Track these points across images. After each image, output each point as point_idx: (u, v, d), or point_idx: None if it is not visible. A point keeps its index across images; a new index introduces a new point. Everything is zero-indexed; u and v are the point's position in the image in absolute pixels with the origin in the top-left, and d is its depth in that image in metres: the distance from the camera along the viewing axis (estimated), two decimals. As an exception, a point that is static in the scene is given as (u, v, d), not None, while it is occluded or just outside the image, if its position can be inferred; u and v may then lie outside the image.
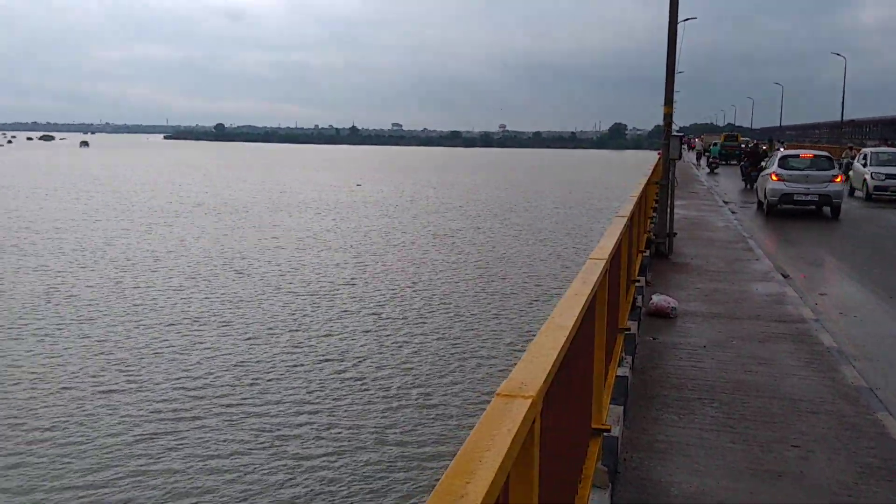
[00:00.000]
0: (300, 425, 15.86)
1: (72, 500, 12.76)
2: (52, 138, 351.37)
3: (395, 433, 15.60)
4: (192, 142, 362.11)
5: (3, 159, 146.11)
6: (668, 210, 21.33)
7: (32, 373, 19.02)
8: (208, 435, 15.39)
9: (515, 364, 3.41)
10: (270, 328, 23.55)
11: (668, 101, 21.46)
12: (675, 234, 21.92)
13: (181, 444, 14.91)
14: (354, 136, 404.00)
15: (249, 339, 22.32)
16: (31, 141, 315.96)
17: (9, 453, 14.43)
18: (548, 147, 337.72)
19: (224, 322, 24.10)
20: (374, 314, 25.36)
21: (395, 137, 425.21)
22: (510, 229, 48.61)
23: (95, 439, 15.07)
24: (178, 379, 18.69)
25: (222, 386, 18.25)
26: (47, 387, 18.00)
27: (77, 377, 18.71)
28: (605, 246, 7.16)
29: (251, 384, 18.39)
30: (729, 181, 54.28)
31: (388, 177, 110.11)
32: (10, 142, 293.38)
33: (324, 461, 14.28)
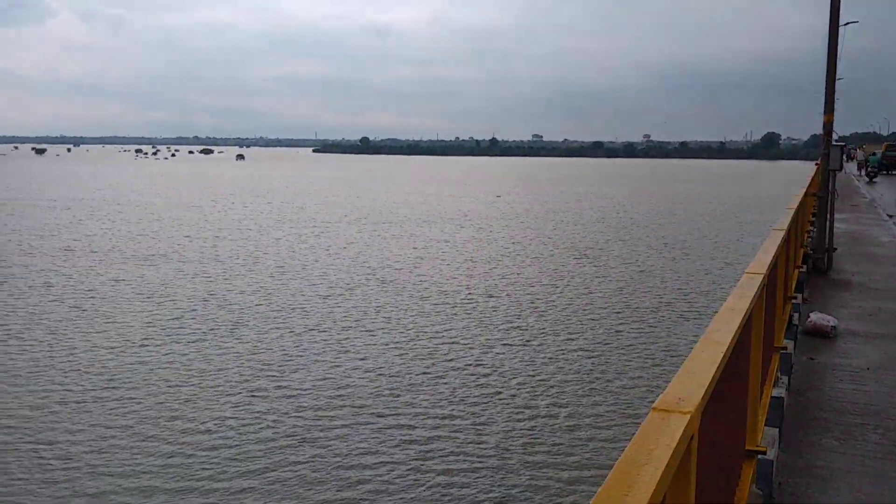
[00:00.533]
0: (441, 438, 15.96)
1: (214, 499, 13.46)
2: (211, 152, 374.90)
3: (540, 449, 15.44)
4: (339, 155, 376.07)
5: (167, 171, 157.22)
6: (828, 223, 20.11)
7: (190, 374, 20.25)
8: (348, 444, 15.79)
9: (666, 380, 3.29)
10: (413, 338, 23.97)
11: (829, 109, 20.25)
12: (836, 249, 20.63)
13: (322, 451, 15.40)
14: (494, 148, 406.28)
15: (393, 348, 22.81)
16: (192, 154, 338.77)
17: (167, 453, 15.39)
18: (695, 157, 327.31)
19: (368, 331, 24.77)
20: (515, 327, 25.31)
21: (536, 149, 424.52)
22: (655, 242, 47.33)
23: (242, 442, 15.82)
24: (322, 385, 19.36)
25: (365, 395, 18.73)
26: (202, 388, 19.11)
27: (229, 380, 19.75)
28: (762, 260, 6.83)
29: (393, 394, 18.76)
30: (891, 192, 50.58)
31: (527, 188, 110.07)
32: (173, 155, 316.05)
33: (466, 477, 14.31)
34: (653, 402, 2.88)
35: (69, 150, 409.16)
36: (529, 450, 15.34)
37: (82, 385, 19.11)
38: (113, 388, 18.93)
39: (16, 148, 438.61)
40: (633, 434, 2.58)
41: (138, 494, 13.38)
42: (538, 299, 29.73)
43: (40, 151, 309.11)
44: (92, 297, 29.22)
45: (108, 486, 13.66)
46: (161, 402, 17.89)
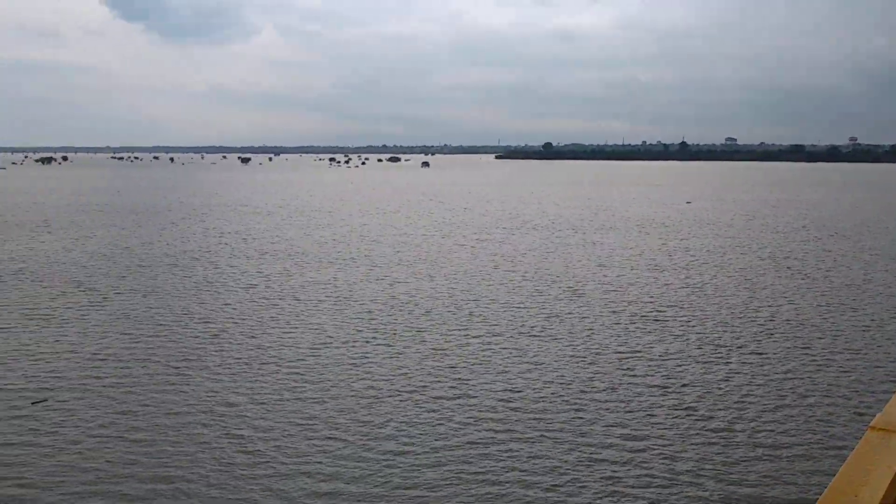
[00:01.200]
0: (632, 463, 15.12)
1: (394, 497, 13.45)
2: (398, 160, 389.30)
3: (737, 470, 14.29)
4: (521, 161, 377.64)
5: (357, 178, 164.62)
6: None
7: (373, 376, 20.64)
8: (523, 447, 15.38)
9: (878, 399, 2.61)
10: (593, 347, 23.19)
11: None
12: None
13: (496, 454, 15.07)
14: (684, 152, 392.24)
15: (572, 356, 22.16)
16: (380, 162, 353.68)
17: (350, 456, 15.63)
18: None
19: (551, 339, 24.24)
20: (709, 343, 23.83)
21: (729, 152, 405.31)
22: (862, 253, 43.32)
23: (424, 441, 15.79)
24: (500, 389, 19.07)
25: (541, 401, 18.24)
26: (386, 387, 19.39)
27: (412, 384, 19.91)
28: None
29: (568, 401, 18.14)
30: None
31: (720, 193, 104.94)
32: (363, 163, 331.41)
33: (638, 491, 13.49)
34: (867, 423, 2.71)
35: (270, 159, 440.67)
36: (726, 473, 14.19)
37: (276, 384, 19.98)
38: (301, 386, 19.64)
39: (224, 157, 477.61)
40: (847, 454, 2.34)
41: (320, 495, 13.65)
42: (734, 313, 27.89)
43: (245, 160, 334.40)
44: (287, 299, 30.75)
45: (293, 485, 14.06)
46: (345, 404, 18.31)
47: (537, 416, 17.38)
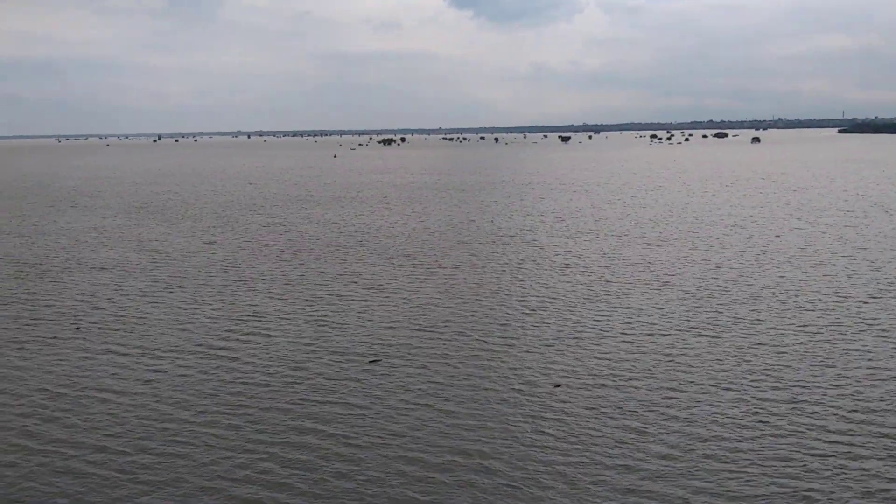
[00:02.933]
0: None
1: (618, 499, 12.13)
2: (724, 135, 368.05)
3: None
4: (871, 135, 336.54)
5: (679, 156, 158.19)
6: None
7: (688, 366, 19.14)
8: (867, 475, 13.09)
9: None
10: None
11: None
12: None
13: (845, 480, 12.97)
14: None
15: (938, 366, 18.71)
16: (705, 139, 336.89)
17: (658, 453, 14.50)
18: None
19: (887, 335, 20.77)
20: None
21: None
22: None
23: (747, 455, 14.16)
24: (841, 398, 16.59)
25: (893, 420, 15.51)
26: (699, 385, 17.85)
27: (733, 381, 18.12)
28: None
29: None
30: None
31: None
32: (686, 140, 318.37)
33: None
34: None
35: (590, 137, 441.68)
36: None
37: (583, 369, 19.39)
38: (607, 371, 18.82)
39: (545, 137, 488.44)
40: None
41: (621, 491, 12.80)
42: None
43: (565, 139, 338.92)
44: (602, 281, 30.03)
45: (580, 472, 13.36)
46: (651, 398, 17.16)
47: (883, 433, 14.82)
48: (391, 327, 24.37)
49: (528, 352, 21.03)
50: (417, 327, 24.29)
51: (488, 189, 77.72)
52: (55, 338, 24.26)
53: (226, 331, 24.64)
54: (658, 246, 38.18)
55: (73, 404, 18.35)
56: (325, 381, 19.87)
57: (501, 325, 24.05)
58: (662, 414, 16.15)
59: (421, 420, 16.51)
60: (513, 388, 18.16)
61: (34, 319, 26.58)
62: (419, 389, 18.59)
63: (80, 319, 26.45)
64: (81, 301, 29.36)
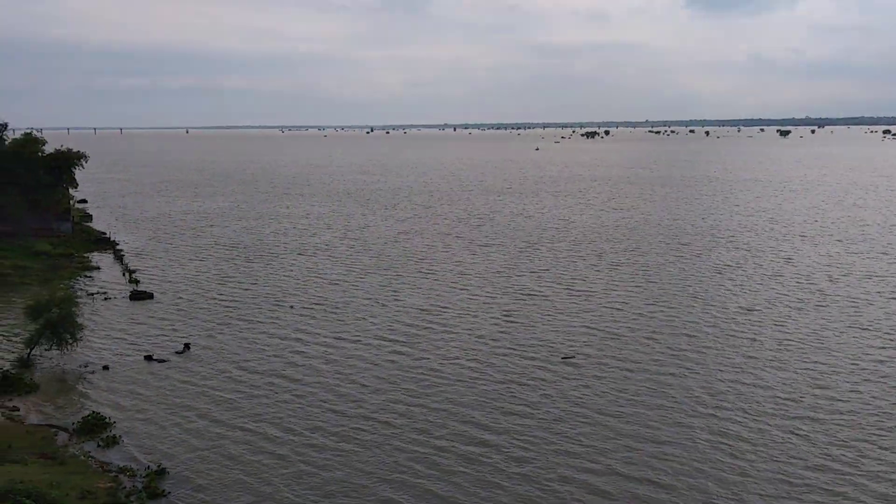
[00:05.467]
0: None
1: None
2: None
3: None
4: None
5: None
6: None
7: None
8: None
9: None
10: None
11: None
12: None
13: None
14: None
15: None
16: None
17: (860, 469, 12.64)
18: None
19: None
20: None
21: None
22: None
23: None
24: None
25: None
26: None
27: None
28: None
29: None
30: None
31: None
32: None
33: None
34: None
35: (813, 131, 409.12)
36: None
37: (787, 382, 17.46)
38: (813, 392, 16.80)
39: (761, 130, 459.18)
40: None
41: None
42: None
43: (784, 133, 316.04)
44: (824, 290, 27.32)
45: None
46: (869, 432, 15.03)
47: None
48: (584, 326, 23.47)
49: (719, 368, 19.35)
50: (609, 329, 23.21)
51: (696, 185, 73.91)
52: (276, 318, 25.67)
53: (412, 319, 24.92)
54: (885, 254, 34.27)
55: (267, 381, 19.20)
56: (512, 375, 19.42)
57: (696, 333, 22.41)
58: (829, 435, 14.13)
59: (607, 414, 15.55)
60: (693, 398, 16.70)
61: (252, 298, 28.31)
62: (609, 390, 17.67)
63: (292, 300, 27.91)
64: (293, 283, 30.94)
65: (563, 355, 20.79)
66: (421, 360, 20.81)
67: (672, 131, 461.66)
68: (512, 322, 24.38)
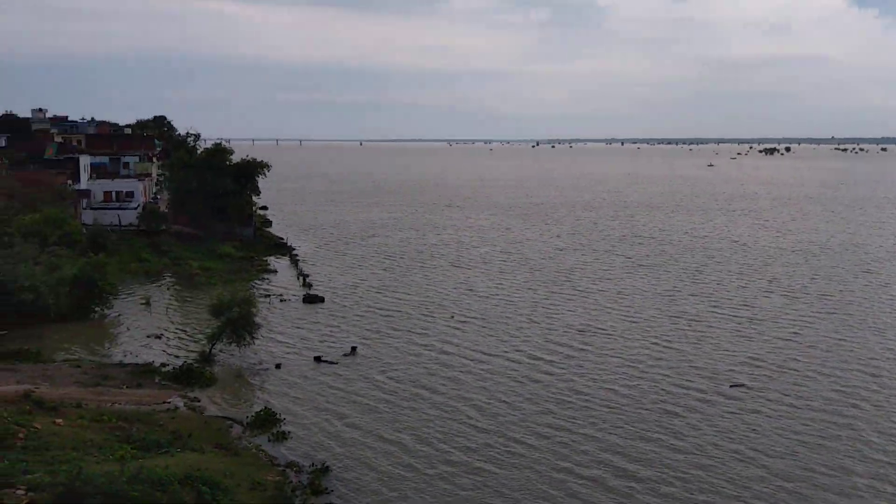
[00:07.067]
0: None
1: None
2: None
3: None
4: None
5: None
6: None
7: None
8: None
9: None
10: None
11: None
12: None
13: None
14: None
15: None
16: None
17: None
18: None
19: None
20: None
21: None
22: None
23: None
24: None
25: None
26: None
27: None
28: None
29: None
30: None
31: None
32: None
33: None
34: None
35: None
36: None
37: None
38: None
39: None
40: None
41: None
42: None
43: None
44: None
45: None
46: None
47: None
48: (749, 357, 22.33)
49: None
50: (777, 361, 21.99)
51: (889, 207, 68.42)
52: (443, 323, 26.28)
53: (564, 339, 24.70)
54: None
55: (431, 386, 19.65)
56: (666, 405, 18.78)
57: (876, 372, 20.90)
58: None
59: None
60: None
61: (411, 307, 29.12)
62: (772, 428, 16.73)
63: (454, 310, 28.49)
64: (448, 294, 31.50)
65: (731, 382, 19.91)
66: (569, 381, 20.58)
67: (861, 149, 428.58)
68: (669, 348, 23.60)
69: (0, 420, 14.53)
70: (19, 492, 10.87)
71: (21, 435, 14.09)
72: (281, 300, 30.26)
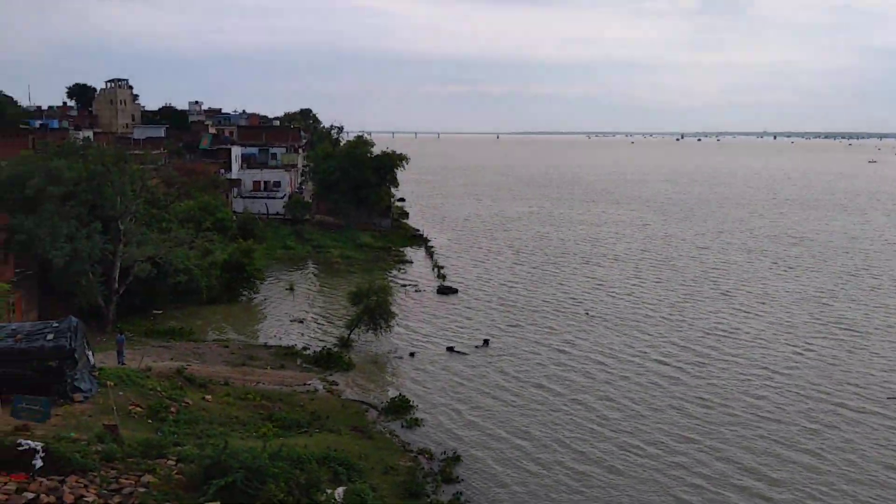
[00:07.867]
0: None
1: None
2: None
3: None
4: None
5: None
6: None
7: None
8: None
9: None
10: None
11: None
12: None
13: None
14: None
15: None
16: None
17: None
18: None
19: None
20: None
21: None
22: None
23: None
24: None
25: None
26: None
27: None
28: None
29: None
30: None
31: None
32: None
33: None
34: None
35: None
36: None
37: None
38: None
39: None
40: None
41: None
42: None
43: None
44: None
45: None
46: None
47: None
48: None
49: None
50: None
51: None
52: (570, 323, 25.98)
53: (698, 344, 23.74)
54: None
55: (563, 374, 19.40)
56: (800, 418, 17.71)
57: None
58: None
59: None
60: None
61: (543, 302, 28.88)
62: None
63: (589, 307, 28.12)
64: (582, 290, 31.00)
65: (889, 395, 18.52)
66: (697, 388, 19.77)
67: None
68: (813, 357, 22.20)
69: (156, 394, 15.48)
70: (170, 462, 11.53)
71: (173, 409, 14.94)
72: (416, 290, 30.78)
